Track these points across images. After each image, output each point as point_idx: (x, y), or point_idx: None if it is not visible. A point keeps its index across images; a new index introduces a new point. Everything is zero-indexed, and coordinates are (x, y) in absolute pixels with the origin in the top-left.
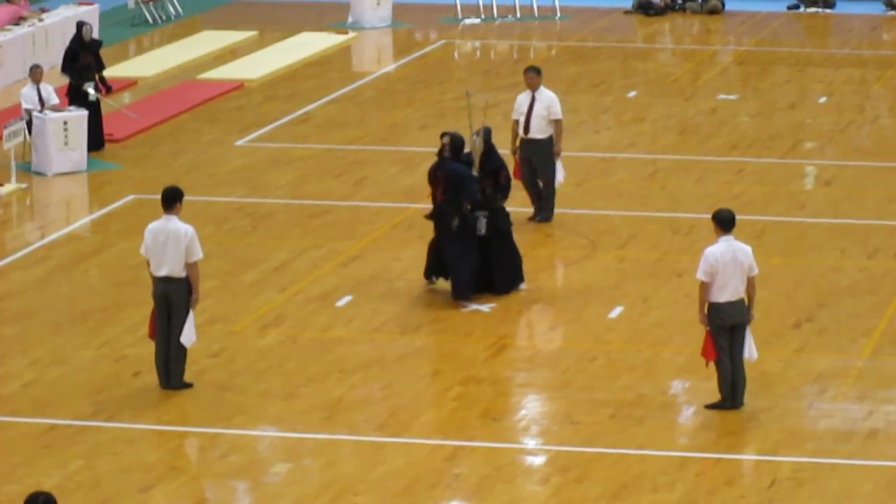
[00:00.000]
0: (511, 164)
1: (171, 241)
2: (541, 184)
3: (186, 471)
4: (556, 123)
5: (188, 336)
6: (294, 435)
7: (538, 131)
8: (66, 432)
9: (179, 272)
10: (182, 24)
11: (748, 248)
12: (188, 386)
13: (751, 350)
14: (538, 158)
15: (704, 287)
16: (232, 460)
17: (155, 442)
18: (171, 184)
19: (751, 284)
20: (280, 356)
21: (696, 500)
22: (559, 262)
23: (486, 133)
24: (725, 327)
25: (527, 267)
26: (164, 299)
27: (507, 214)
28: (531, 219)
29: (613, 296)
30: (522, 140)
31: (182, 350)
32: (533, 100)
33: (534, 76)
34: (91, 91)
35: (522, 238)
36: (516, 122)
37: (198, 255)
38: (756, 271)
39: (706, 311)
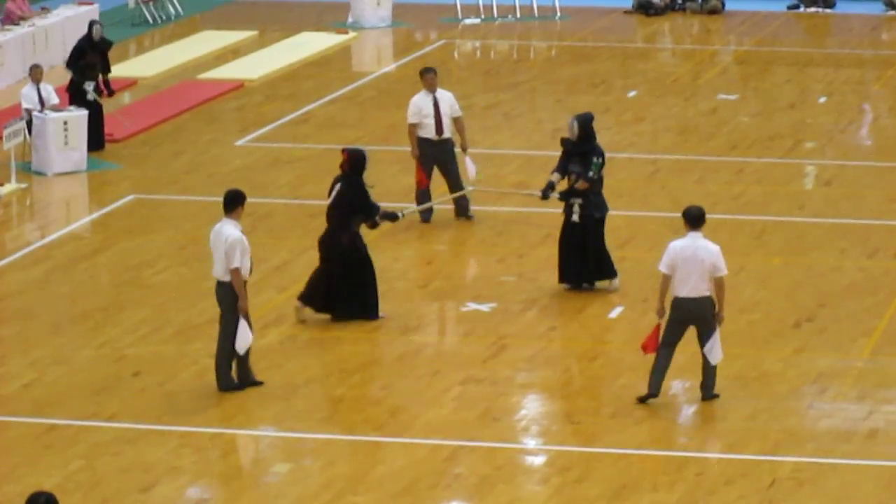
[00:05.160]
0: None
1: (218, 245)
2: (446, 182)
3: (186, 471)
4: (459, 120)
5: (241, 341)
6: (294, 435)
7: (449, 131)
8: (66, 432)
9: (223, 276)
10: (182, 24)
11: (715, 248)
12: (237, 387)
13: (714, 351)
14: (448, 158)
15: (664, 279)
16: (232, 460)
17: (155, 442)
18: (233, 187)
19: (717, 286)
20: (280, 356)
21: (696, 500)
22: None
23: (585, 119)
24: (684, 322)
25: (527, 266)
26: (217, 302)
27: (599, 205)
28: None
29: (613, 296)
30: (435, 141)
31: (228, 353)
32: (436, 101)
33: (433, 77)
34: (89, 91)
35: (523, 238)
36: (416, 125)
37: (234, 262)
38: (722, 273)
39: (662, 303)
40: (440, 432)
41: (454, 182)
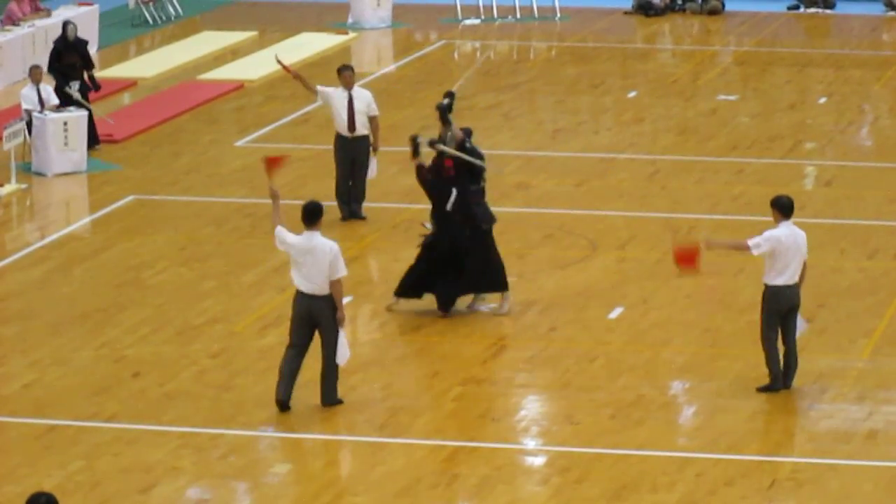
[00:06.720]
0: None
1: (314, 258)
2: (350, 182)
3: (186, 471)
4: (374, 119)
5: (342, 355)
6: (294, 435)
7: (363, 128)
8: (66, 432)
9: (323, 289)
10: (182, 25)
11: (804, 235)
12: (339, 402)
13: (801, 325)
14: (363, 156)
15: (745, 249)
16: (232, 460)
17: (155, 442)
18: (312, 199)
19: (804, 269)
20: (280, 356)
21: (696, 500)
22: (559, 263)
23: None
24: (782, 311)
25: (526, 267)
26: (307, 316)
27: (485, 216)
28: (346, 219)
29: (613, 296)
30: (348, 138)
31: (335, 368)
32: (351, 98)
33: (351, 74)
34: (73, 91)
35: (523, 238)
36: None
37: (341, 271)
38: (806, 256)
39: (722, 246)
40: (440, 432)
41: (360, 183)
